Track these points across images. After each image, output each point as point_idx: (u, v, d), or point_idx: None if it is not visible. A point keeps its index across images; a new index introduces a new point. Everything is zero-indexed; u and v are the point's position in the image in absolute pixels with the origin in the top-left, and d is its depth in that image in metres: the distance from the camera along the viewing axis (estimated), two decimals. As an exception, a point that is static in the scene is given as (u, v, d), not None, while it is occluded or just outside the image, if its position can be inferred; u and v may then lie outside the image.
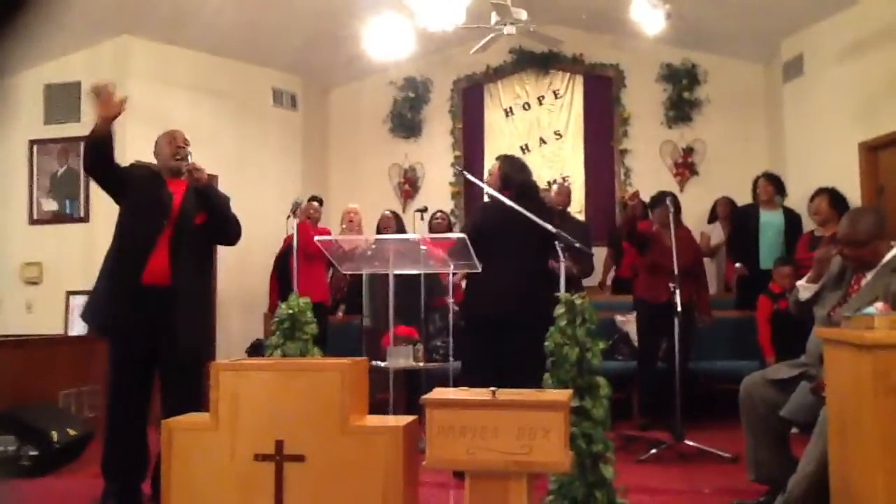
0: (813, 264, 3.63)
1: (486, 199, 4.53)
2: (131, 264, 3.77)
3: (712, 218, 7.49)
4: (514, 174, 4.33)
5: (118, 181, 3.90)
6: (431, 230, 6.78)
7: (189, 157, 3.86)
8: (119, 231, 3.92)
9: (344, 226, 6.48)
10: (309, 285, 5.83)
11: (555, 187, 6.72)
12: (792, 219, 6.46)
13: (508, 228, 4.07)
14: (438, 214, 7.12)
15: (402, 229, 6.67)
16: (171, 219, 3.82)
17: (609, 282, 7.66)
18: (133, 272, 3.75)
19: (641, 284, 5.87)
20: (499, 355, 4.03)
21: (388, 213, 6.82)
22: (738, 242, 6.64)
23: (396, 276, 4.19)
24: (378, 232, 6.67)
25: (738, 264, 6.59)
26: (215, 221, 3.90)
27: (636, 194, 5.55)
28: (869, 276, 3.35)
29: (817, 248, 5.50)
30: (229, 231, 4.04)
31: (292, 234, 6.41)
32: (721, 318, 6.24)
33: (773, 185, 6.51)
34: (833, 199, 5.64)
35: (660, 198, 5.87)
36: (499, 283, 3.98)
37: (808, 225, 6.35)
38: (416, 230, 5.88)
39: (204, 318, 4.11)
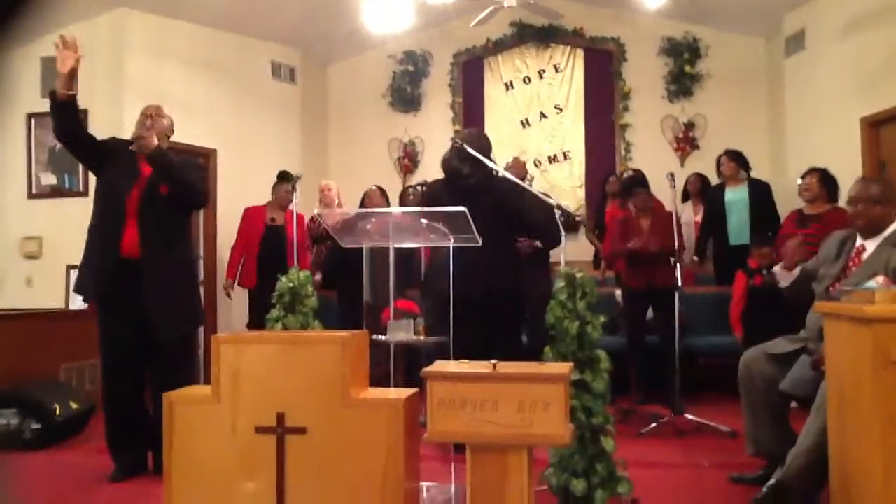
0: (784, 252, 3.64)
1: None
2: (107, 237, 3.82)
3: (685, 196, 7.46)
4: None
5: (91, 151, 3.97)
6: (406, 205, 6.69)
7: (149, 125, 3.88)
8: (95, 204, 3.97)
9: (320, 202, 6.45)
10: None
11: (509, 161, 6.64)
12: (758, 192, 6.53)
13: (464, 202, 4.04)
14: (411, 190, 7.01)
15: (388, 205, 6.61)
16: (139, 190, 3.84)
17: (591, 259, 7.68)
18: (110, 245, 3.79)
19: (623, 271, 5.97)
20: (465, 330, 4.01)
21: (374, 187, 6.73)
22: (709, 221, 6.80)
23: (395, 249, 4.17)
24: (362, 206, 6.59)
25: (694, 257, 6.87)
26: (171, 187, 3.88)
27: None
28: (869, 249, 3.36)
29: (806, 225, 5.53)
30: (188, 195, 4.00)
31: (262, 209, 6.43)
32: (704, 293, 6.42)
33: (734, 161, 6.63)
34: (824, 177, 5.65)
35: (635, 180, 5.94)
36: (458, 260, 3.93)
37: (781, 195, 6.45)
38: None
39: (179, 289, 3.98)
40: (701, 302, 6.28)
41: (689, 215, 7.22)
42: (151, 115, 4.02)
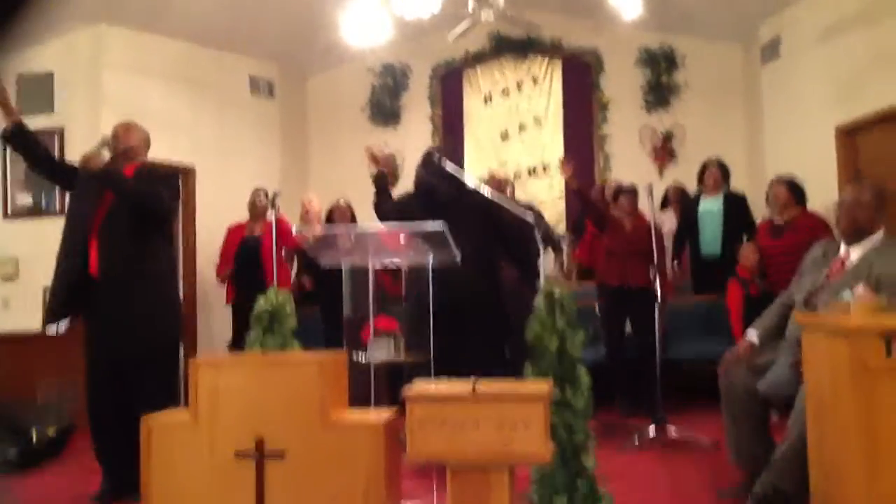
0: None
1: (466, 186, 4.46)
2: (72, 258, 3.81)
3: (664, 204, 7.49)
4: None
5: (61, 174, 4.01)
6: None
7: (101, 142, 3.85)
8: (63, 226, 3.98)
9: (301, 218, 6.42)
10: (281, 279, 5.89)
11: (485, 176, 6.65)
12: (732, 204, 6.50)
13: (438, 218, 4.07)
14: None
15: (354, 220, 6.60)
16: (100, 209, 3.81)
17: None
18: (74, 265, 3.78)
19: (600, 267, 5.98)
20: (445, 344, 4.03)
21: (342, 202, 6.72)
22: (683, 231, 6.77)
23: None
24: (329, 221, 6.57)
25: (675, 263, 6.78)
26: (126, 201, 3.84)
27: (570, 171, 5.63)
28: (853, 256, 3.37)
29: (780, 235, 5.58)
30: (145, 206, 3.91)
31: (239, 225, 6.43)
32: (686, 304, 6.44)
33: (721, 172, 6.60)
34: (790, 186, 5.71)
35: (621, 188, 5.99)
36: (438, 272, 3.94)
37: (759, 204, 6.43)
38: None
39: (147, 306, 3.88)
40: (679, 312, 6.29)
41: (672, 225, 7.16)
42: (115, 136, 4.00)
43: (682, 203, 7.12)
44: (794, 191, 5.67)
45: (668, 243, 6.96)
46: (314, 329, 6.16)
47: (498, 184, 6.45)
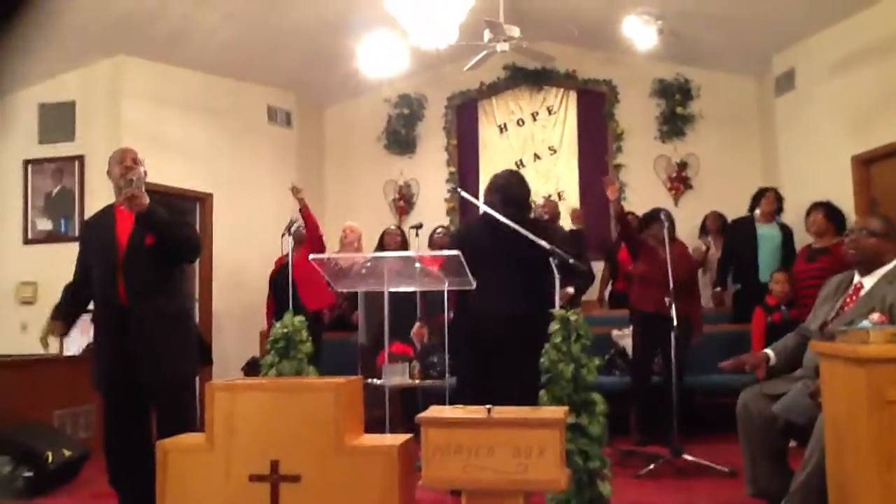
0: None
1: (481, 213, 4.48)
2: (101, 311, 3.84)
3: (702, 233, 7.51)
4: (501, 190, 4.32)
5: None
6: (433, 245, 6.79)
7: (136, 179, 3.77)
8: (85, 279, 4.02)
9: (341, 243, 6.52)
10: (317, 294, 5.91)
11: (540, 200, 6.75)
12: (786, 233, 6.51)
13: (494, 246, 4.01)
14: (440, 230, 7.14)
15: (405, 246, 6.72)
16: (121, 251, 3.80)
17: (606, 296, 7.67)
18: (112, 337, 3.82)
19: (634, 294, 5.93)
20: (489, 375, 3.98)
21: (393, 227, 6.87)
22: (735, 256, 6.68)
23: (393, 292, 4.16)
24: (382, 245, 6.70)
25: (717, 288, 6.77)
26: (163, 244, 3.77)
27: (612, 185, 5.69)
28: (867, 285, 3.37)
29: (815, 258, 5.57)
30: (181, 251, 3.90)
31: (286, 255, 6.51)
32: (715, 332, 6.28)
33: (779, 201, 6.60)
34: (829, 212, 5.71)
35: (654, 214, 5.94)
36: (485, 302, 3.94)
37: (800, 238, 6.40)
38: (412, 247, 5.90)
39: (173, 338, 3.84)
40: (711, 340, 6.20)
41: (713, 252, 7.20)
42: (133, 166, 3.93)
43: (731, 228, 7.08)
44: (832, 217, 5.66)
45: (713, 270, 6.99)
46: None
47: (551, 205, 6.57)
